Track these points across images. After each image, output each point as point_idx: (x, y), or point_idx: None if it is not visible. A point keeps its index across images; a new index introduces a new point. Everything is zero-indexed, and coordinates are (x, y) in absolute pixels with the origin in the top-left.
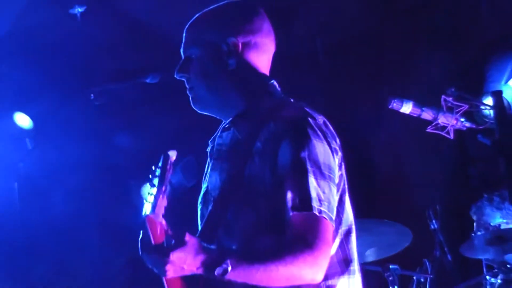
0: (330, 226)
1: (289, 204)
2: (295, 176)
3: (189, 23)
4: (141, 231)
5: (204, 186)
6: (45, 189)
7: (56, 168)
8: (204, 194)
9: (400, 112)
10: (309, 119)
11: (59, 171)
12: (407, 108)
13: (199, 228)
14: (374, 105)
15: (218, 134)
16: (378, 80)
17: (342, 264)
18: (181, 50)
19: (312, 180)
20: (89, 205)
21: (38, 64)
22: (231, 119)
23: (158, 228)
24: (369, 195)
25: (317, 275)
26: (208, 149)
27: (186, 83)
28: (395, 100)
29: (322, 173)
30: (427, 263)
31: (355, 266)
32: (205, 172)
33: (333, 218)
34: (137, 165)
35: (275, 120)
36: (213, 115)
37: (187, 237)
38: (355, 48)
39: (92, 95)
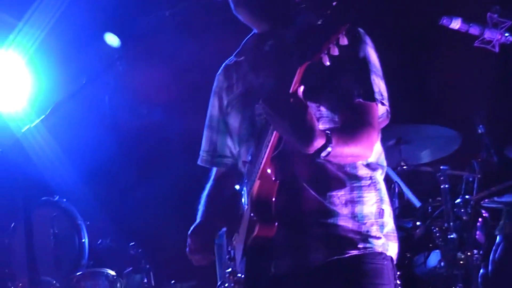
0: (386, 120)
1: (355, 92)
2: (359, 72)
3: None
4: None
5: (237, 88)
6: (132, 102)
7: (143, 83)
8: (244, 93)
9: (449, 28)
10: (363, 30)
11: (145, 87)
12: (455, 24)
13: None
14: (426, 22)
15: (251, 44)
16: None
17: (381, 166)
18: None
19: (374, 77)
20: (172, 116)
21: None
22: (278, 30)
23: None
24: (423, 102)
25: (372, 151)
26: (235, 59)
27: None
28: (445, 17)
29: (380, 75)
30: (475, 164)
31: (384, 170)
32: (234, 79)
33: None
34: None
35: None
36: (249, 21)
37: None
38: None
39: (167, 12)
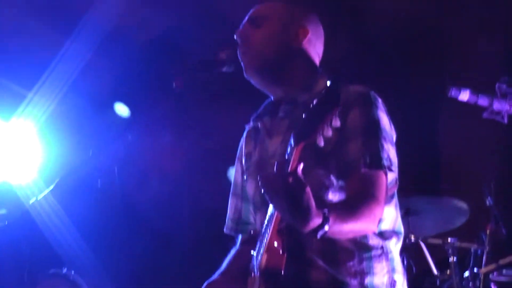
0: (395, 186)
1: (362, 161)
2: (367, 137)
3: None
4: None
5: (254, 156)
6: (142, 173)
7: (152, 153)
8: (259, 161)
9: (458, 99)
10: (375, 93)
11: (155, 157)
12: (464, 96)
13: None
14: (436, 93)
15: (268, 110)
16: (439, 71)
17: (396, 234)
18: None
19: (382, 143)
20: (182, 187)
21: (134, 58)
22: (291, 96)
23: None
24: (432, 173)
25: (376, 226)
26: (253, 125)
27: (243, 46)
28: (453, 89)
29: (389, 140)
30: (484, 236)
31: (401, 237)
32: (252, 145)
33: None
34: (223, 149)
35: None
36: (261, 85)
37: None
38: (416, 42)
39: (173, 83)
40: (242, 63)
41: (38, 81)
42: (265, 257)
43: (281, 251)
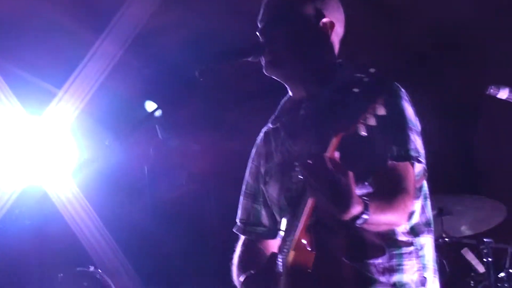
0: (423, 177)
1: (389, 153)
2: (395, 129)
3: None
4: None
5: (276, 157)
6: (171, 172)
7: (181, 153)
8: (282, 163)
9: (497, 98)
10: (398, 84)
11: (184, 156)
12: (503, 94)
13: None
14: (475, 91)
15: (287, 108)
16: (478, 69)
17: (426, 225)
18: (265, 16)
19: (409, 134)
20: (210, 187)
21: (164, 57)
22: (313, 92)
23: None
24: (467, 172)
25: (407, 219)
26: (272, 126)
27: (266, 44)
28: (492, 87)
29: (415, 130)
30: None
31: (432, 227)
32: (272, 146)
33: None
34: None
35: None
36: (283, 81)
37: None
38: (458, 42)
39: (197, 72)
40: (263, 60)
41: (68, 79)
42: (292, 254)
43: (310, 248)
